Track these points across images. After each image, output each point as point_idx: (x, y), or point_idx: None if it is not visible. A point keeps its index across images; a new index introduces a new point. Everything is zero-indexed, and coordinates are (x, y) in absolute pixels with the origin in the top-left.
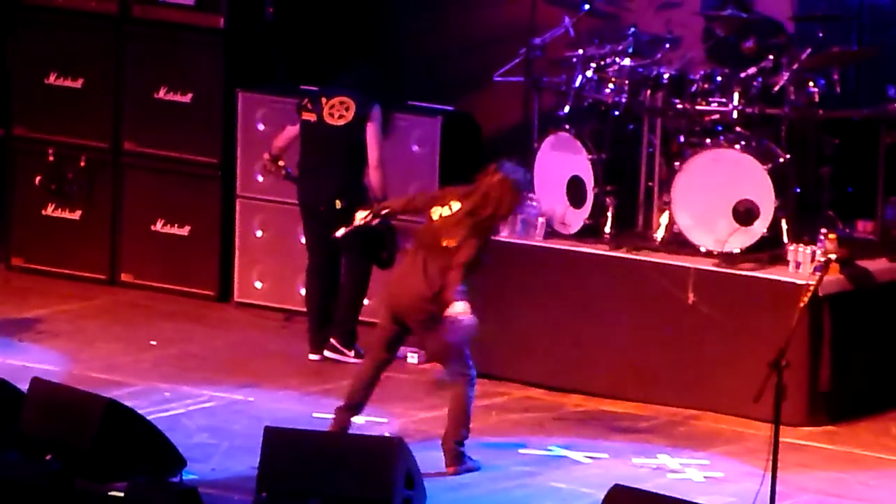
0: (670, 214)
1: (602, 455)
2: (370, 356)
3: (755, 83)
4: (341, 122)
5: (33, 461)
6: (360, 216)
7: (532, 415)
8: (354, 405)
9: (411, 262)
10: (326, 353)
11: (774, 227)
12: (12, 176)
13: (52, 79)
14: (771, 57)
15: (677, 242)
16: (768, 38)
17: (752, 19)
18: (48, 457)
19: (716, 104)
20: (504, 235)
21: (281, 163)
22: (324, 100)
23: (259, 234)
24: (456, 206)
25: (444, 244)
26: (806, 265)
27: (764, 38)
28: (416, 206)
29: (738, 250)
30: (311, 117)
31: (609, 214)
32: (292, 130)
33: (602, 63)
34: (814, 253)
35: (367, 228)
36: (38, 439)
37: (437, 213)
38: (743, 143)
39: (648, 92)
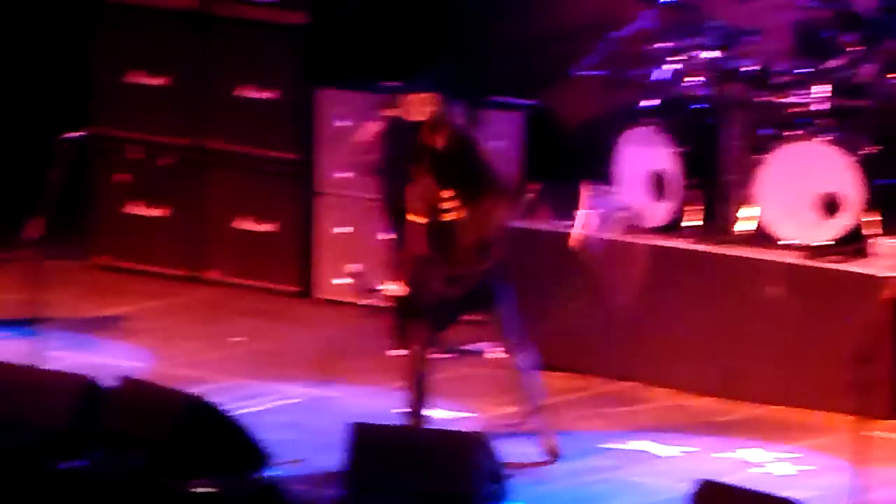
0: (754, 208)
1: (685, 449)
2: None
3: (840, 74)
4: (424, 119)
5: (117, 458)
6: None
7: (613, 409)
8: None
9: None
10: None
11: (859, 219)
12: (96, 175)
13: (134, 77)
14: (856, 48)
15: (760, 236)
16: (854, 29)
17: (838, 10)
18: (132, 453)
19: (799, 96)
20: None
21: (367, 158)
22: (406, 96)
23: (341, 230)
24: None
25: None
26: (891, 258)
27: (849, 28)
28: None
29: (822, 243)
30: (394, 114)
31: (692, 208)
32: (374, 127)
33: (684, 56)
34: None
35: None
36: (121, 436)
37: None
38: (827, 134)
39: (731, 84)
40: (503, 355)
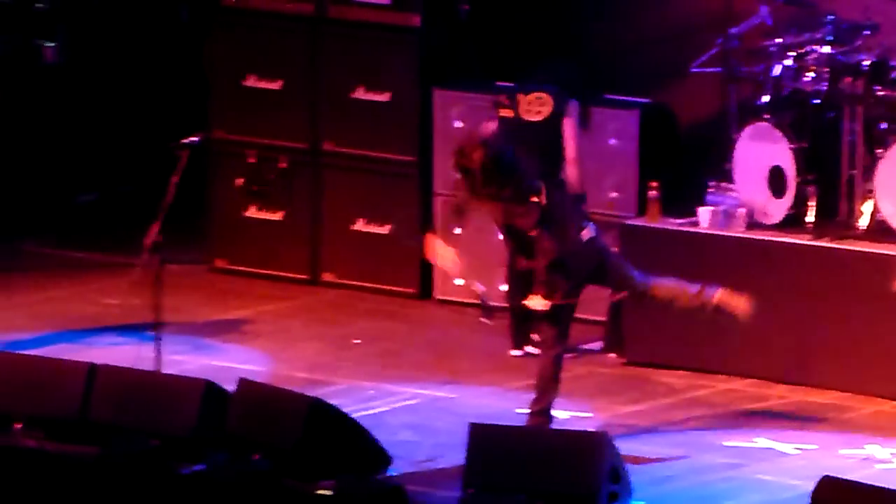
0: (873, 202)
1: (809, 446)
2: None
3: None
4: (538, 118)
5: (241, 461)
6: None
7: (736, 407)
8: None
9: None
10: (528, 348)
11: None
12: (213, 179)
13: (250, 81)
14: None
15: (881, 231)
16: None
17: None
18: (255, 457)
19: None
20: (705, 227)
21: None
22: (520, 96)
23: (458, 231)
24: None
25: None
26: None
27: None
28: None
29: None
30: (509, 113)
31: (811, 204)
32: (489, 126)
33: (800, 51)
34: None
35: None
36: (245, 440)
37: None
38: None
39: (849, 79)
40: (617, 356)
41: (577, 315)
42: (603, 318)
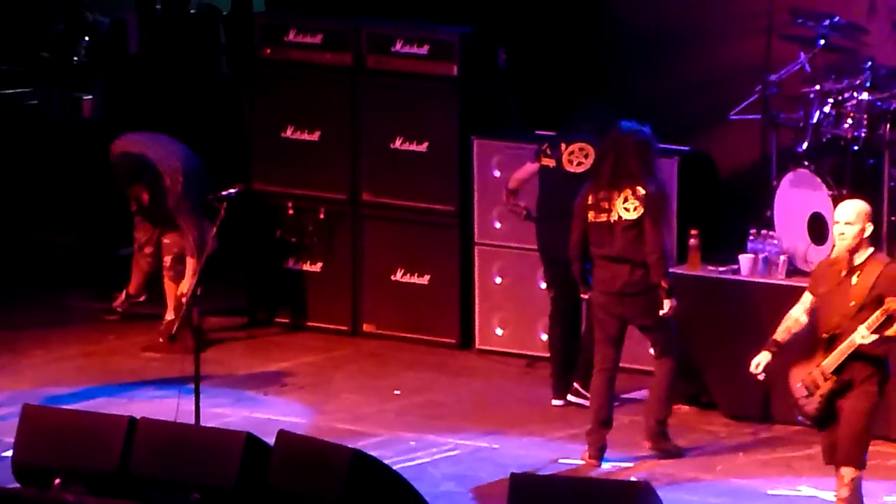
0: None
1: None
2: None
3: None
4: (580, 169)
5: None
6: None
7: (780, 454)
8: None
9: None
10: (570, 397)
11: None
12: (253, 230)
13: (289, 132)
14: None
15: None
16: None
17: None
18: None
19: None
20: (746, 274)
21: (521, 203)
22: (563, 145)
23: (498, 280)
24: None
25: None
26: None
27: None
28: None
29: None
30: (551, 163)
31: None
32: (532, 167)
33: (840, 98)
34: None
35: None
36: (286, 492)
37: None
38: None
39: (888, 125)
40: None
41: (624, 364)
42: (649, 368)
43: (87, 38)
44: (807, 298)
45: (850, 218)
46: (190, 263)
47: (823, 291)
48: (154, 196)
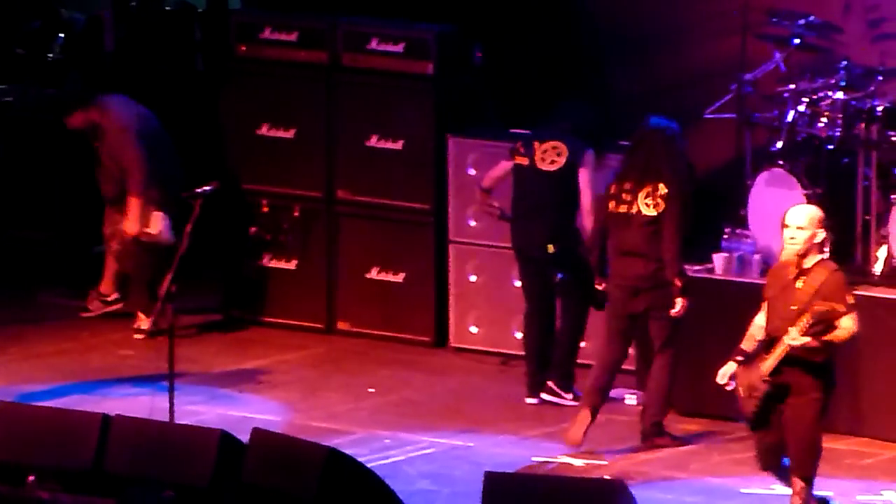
0: (888, 247)
1: (826, 493)
2: None
3: None
4: (553, 168)
5: None
6: None
7: (753, 454)
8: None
9: None
10: (544, 396)
11: None
12: (230, 228)
13: (264, 130)
14: None
15: None
16: None
17: None
18: None
19: None
20: (720, 273)
21: (496, 203)
22: (536, 144)
23: (473, 278)
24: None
25: None
26: None
27: None
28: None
29: None
30: (524, 161)
31: (826, 249)
32: (506, 165)
33: (814, 97)
34: None
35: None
36: (261, 489)
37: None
38: None
39: (863, 125)
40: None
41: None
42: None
43: (62, 35)
44: (764, 306)
45: (801, 223)
46: (132, 203)
47: (771, 295)
48: (96, 132)
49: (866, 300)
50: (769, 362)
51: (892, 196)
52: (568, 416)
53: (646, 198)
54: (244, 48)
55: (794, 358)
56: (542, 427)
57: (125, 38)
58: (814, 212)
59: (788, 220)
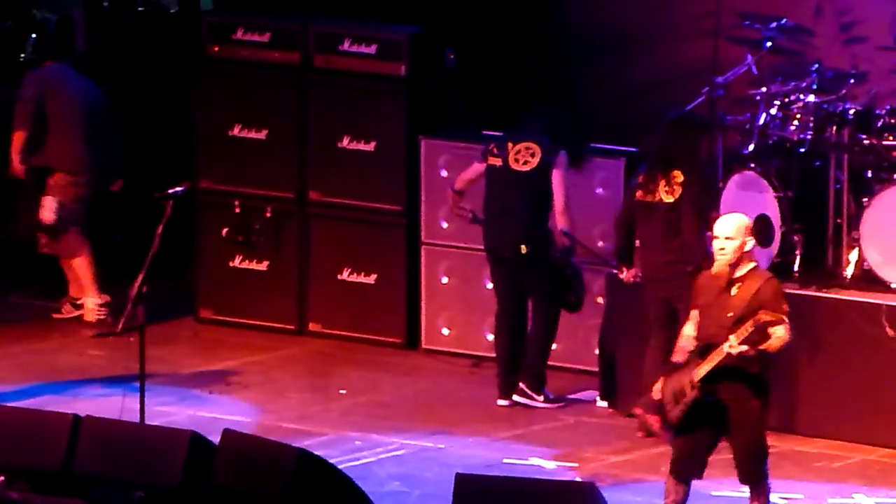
0: (859, 251)
1: (796, 496)
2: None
3: None
4: (526, 168)
5: None
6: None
7: (724, 456)
8: None
9: None
10: (515, 397)
11: None
12: (199, 228)
13: (236, 130)
14: None
15: (867, 279)
16: None
17: None
18: None
19: None
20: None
21: (468, 206)
22: (510, 145)
23: (445, 280)
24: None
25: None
26: None
27: None
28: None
29: None
30: (497, 162)
31: (797, 252)
32: (478, 167)
33: (786, 100)
34: None
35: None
36: (231, 491)
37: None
38: None
39: (834, 128)
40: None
41: (570, 365)
42: (595, 369)
43: (34, 36)
44: (694, 314)
45: (729, 233)
46: (59, 178)
47: (703, 303)
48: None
49: (838, 303)
50: (703, 368)
51: (864, 199)
52: (539, 418)
53: (665, 185)
54: (216, 49)
55: (728, 369)
56: (513, 429)
57: (97, 38)
58: (741, 220)
59: (717, 231)
